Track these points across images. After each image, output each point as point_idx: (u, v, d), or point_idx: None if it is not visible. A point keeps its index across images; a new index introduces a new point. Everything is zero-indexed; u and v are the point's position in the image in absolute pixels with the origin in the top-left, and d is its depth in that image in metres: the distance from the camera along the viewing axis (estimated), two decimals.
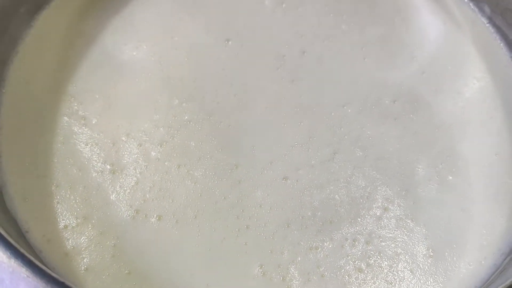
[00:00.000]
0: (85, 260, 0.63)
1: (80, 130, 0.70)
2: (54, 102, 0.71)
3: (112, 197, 0.66)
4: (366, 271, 0.64)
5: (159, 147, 0.69)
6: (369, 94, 0.74)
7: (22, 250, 0.52)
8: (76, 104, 0.71)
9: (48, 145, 0.68)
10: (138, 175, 0.67)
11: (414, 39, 0.79)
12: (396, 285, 0.64)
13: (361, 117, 0.73)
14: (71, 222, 0.64)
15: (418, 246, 0.66)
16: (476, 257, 0.66)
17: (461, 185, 0.70)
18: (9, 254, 0.51)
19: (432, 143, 0.72)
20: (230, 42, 0.77)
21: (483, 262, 0.66)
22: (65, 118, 0.70)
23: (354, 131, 0.72)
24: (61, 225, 0.64)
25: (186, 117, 0.71)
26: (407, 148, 0.71)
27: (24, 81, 0.72)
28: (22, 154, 0.68)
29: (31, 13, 0.76)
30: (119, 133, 0.70)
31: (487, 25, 0.81)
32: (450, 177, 0.70)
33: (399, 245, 0.66)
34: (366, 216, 0.67)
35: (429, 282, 0.64)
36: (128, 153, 0.69)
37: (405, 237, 0.66)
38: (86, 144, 0.69)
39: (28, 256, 0.51)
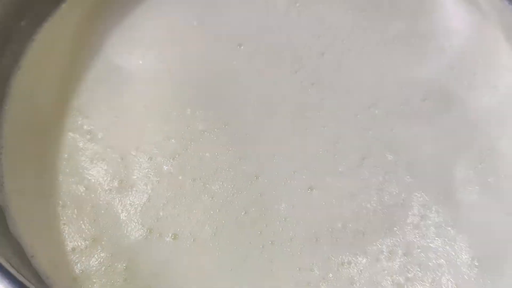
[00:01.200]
0: (95, 285, 0.61)
1: (85, 146, 0.68)
2: (58, 118, 0.70)
3: (122, 216, 0.64)
4: (405, 286, 0.62)
5: (171, 160, 0.67)
6: (397, 93, 0.72)
7: (27, 284, 0.51)
8: (81, 118, 0.70)
9: (52, 163, 0.67)
10: (150, 191, 0.66)
11: (440, 32, 0.76)
12: None
13: (390, 118, 0.70)
14: (79, 244, 0.63)
15: (462, 256, 0.63)
16: None
17: (504, 187, 0.67)
18: None
19: (469, 143, 0.69)
20: (242, 47, 0.75)
21: None
22: (70, 133, 0.69)
23: (383, 134, 0.69)
24: (69, 247, 0.63)
25: (200, 127, 0.69)
26: (442, 150, 0.69)
27: (27, 97, 0.71)
28: (25, 174, 0.67)
29: (33, 27, 0.75)
30: (127, 147, 0.68)
31: None
32: (491, 179, 0.67)
33: (441, 255, 0.63)
34: (402, 225, 0.65)
35: None
36: (138, 168, 0.67)
37: (447, 247, 0.64)
38: (92, 161, 0.67)
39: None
